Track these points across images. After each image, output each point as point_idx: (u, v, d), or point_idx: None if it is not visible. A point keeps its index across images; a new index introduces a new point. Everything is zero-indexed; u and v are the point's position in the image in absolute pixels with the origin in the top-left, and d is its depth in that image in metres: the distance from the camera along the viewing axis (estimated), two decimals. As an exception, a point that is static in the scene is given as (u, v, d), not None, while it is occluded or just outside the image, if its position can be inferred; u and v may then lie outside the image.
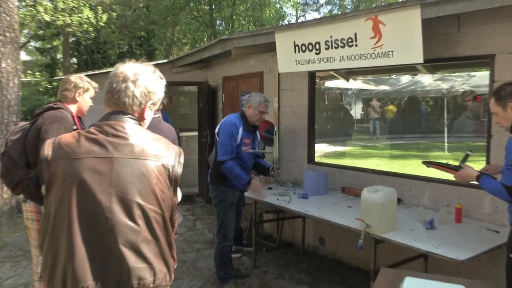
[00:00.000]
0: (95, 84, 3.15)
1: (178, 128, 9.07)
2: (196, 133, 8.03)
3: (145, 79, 1.64)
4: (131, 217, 1.49)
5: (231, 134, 3.75)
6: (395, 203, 3.29)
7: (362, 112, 13.09)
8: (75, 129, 2.79)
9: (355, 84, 9.64)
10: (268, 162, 4.58)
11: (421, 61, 3.38)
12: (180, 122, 9.61)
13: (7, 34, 5.68)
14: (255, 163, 4.13)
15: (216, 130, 3.90)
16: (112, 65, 14.15)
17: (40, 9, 13.15)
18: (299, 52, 4.36)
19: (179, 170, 1.61)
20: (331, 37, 4.03)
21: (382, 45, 3.61)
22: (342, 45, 3.93)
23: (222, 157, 3.71)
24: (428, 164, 2.95)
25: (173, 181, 1.60)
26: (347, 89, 11.09)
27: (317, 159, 5.29)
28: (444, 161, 2.87)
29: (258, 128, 4.05)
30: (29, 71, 19.21)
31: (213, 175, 4.01)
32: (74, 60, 17.88)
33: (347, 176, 4.76)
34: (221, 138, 3.79)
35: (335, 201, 4.27)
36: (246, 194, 4.12)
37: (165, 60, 7.88)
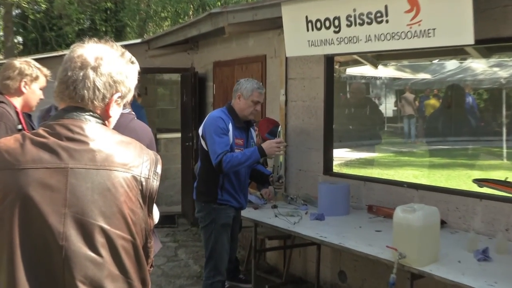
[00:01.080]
0: (46, 71, 3.14)
1: (155, 128, 9.14)
2: (178, 135, 8.03)
3: (110, 65, 1.65)
4: (92, 246, 1.50)
5: (218, 130, 3.86)
6: (437, 227, 3.33)
7: (395, 108, 13.08)
8: (19, 130, 2.78)
9: (386, 71, 9.59)
10: (269, 169, 4.67)
11: (472, 42, 3.41)
12: (158, 120, 9.59)
13: None
14: (252, 170, 4.26)
15: (200, 133, 4.07)
16: (68, 46, 14.00)
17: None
18: (312, 30, 4.43)
19: (155, 183, 1.64)
20: (354, 10, 4.09)
21: (420, 21, 3.65)
22: (369, 20, 4.00)
23: (217, 158, 3.79)
24: (481, 182, 2.93)
25: (148, 198, 1.62)
26: (376, 78, 11.11)
27: (335, 169, 5.38)
28: (502, 178, 2.88)
29: (252, 125, 4.23)
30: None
31: (201, 189, 4.11)
32: (19, 39, 17.85)
33: (375, 191, 4.83)
34: (209, 140, 3.89)
35: (359, 223, 4.33)
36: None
37: (139, 40, 7.98)
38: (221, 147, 3.84)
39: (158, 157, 1.70)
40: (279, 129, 4.25)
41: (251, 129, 4.20)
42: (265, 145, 3.92)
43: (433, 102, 11.13)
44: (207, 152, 3.98)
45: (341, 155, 6.24)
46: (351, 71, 7.29)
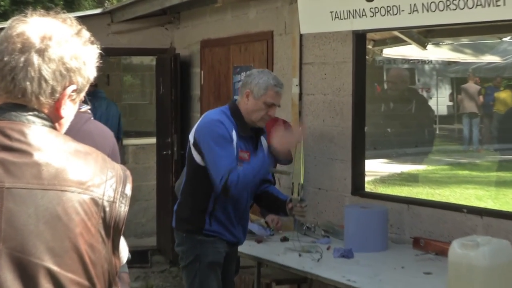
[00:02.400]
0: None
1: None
2: (153, 141, 8.12)
3: (62, 47, 1.65)
4: None
5: (219, 139, 3.90)
6: (510, 268, 3.30)
7: (450, 103, 13.15)
8: None
9: (438, 52, 9.66)
10: (284, 191, 4.70)
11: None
12: (124, 120, 9.53)
13: None
14: (260, 194, 4.29)
15: (191, 139, 4.04)
16: (3, 18, 13.94)
17: None
18: (337, -4, 4.50)
19: (123, 208, 1.66)
20: (394, -31, 4.18)
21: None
22: (414, -16, 4.08)
23: (222, 179, 3.83)
24: None
25: (113, 229, 1.64)
26: (424, 61, 11.16)
27: (368, 188, 5.41)
28: None
29: (263, 133, 4.20)
30: None
31: (182, 214, 4.15)
32: None
33: (422, 217, 4.86)
34: (208, 152, 3.94)
35: (401, 262, 4.33)
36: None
37: (98, 10, 8.01)
38: (225, 163, 3.86)
39: (128, 173, 1.71)
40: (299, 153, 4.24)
41: (262, 137, 4.20)
42: (275, 140, 3.97)
43: (506, 95, 11.13)
44: (197, 166, 4.03)
45: (376, 168, 6.24)
46: (390, 52, 7.22)
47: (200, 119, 4.10)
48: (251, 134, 4.07)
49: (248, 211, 4.31)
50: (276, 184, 5.19)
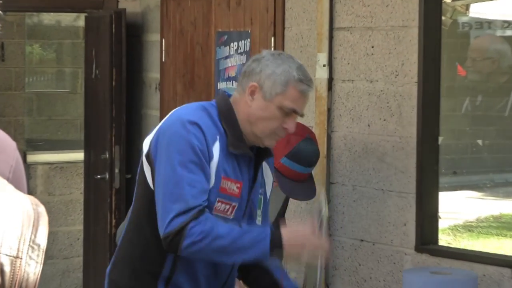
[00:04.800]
0: None
1: (21, 141, 8.30)
2: (77, 157, 7.57)
3: None
4: None
5: (188, 154, 3.46)
6: None
7: None
8: None
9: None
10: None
11: None
12: (28, 120, 8.95)
13: None
14: (248, 268, 3.82)
15: (145, 148, 3.59)
16: None
17: None
18: None
19: (33, 268, 1.37)
20: None
21: None
22: None
23: (173, 222, 3.35)
24: None
25: None
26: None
27: (444, 239, 5.38)
28: None
29: (270, 156, 3.79)
30: None
31: (120, 279, 3.73)
32: None
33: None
34: (163, 166, 3.50)
35: None
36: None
37: None
38: (189, 193, 3.36)
39: (42, 209, 1.43)
40: (323, 204, 3.78)
41: (267, 164, 3.68)
42: (287, 234, 3.41)
43: None
44: (152, 194, 3.43)
45: (457, 206, 5.47)
46: (481, 10, 6.61)
47: (167, 117, 3.60)
48: (249, 154, 3.53)
49: (234, 278, 3.76)
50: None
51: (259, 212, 3.58)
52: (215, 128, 3.40)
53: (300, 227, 3.52)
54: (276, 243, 3.24)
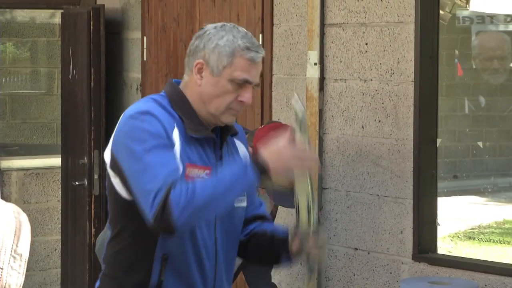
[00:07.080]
0: None
1: None
2: (54, 162, 7.47)
3: None
4: None
5: (149, 137, 3.40)
6: None
7: None
8: None
9: None
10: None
11: None
12: (2, 123, 8.88)
13: None
14: (248, 239, 3.77)
15: (107, 160, 3.53)
16: None
17: None
18: None
19: (14, 278, 1.48)
20: None
21: None
22: None
23: (157, 198, 3.26)
24: None
25: None
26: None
27: (443, 247, 5.16)
28: None
29: (234, 133, 3.78)
30: None
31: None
32: None
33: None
34: (128, 164, 3.44)
35: None
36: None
37: None
38: (161, 172, 3.29)
39: (23, 218, 1.57)
40: (300, 113, 3.48)
41: (236, 141, 3.68)
42: (268, 154, 3.36)
43: None
44: (125, 205, 3.38)
45: (457, 212, 5.75)
46: (482, 4, 6.71)
47: (120, 119, 3.54)
48: (211, 135, 3.54)
49: (231, 281, 3.63)
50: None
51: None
52: (170, 116, 3.36)
53: (279, 141, 3.35)
54: (261, 168, 3.19)
